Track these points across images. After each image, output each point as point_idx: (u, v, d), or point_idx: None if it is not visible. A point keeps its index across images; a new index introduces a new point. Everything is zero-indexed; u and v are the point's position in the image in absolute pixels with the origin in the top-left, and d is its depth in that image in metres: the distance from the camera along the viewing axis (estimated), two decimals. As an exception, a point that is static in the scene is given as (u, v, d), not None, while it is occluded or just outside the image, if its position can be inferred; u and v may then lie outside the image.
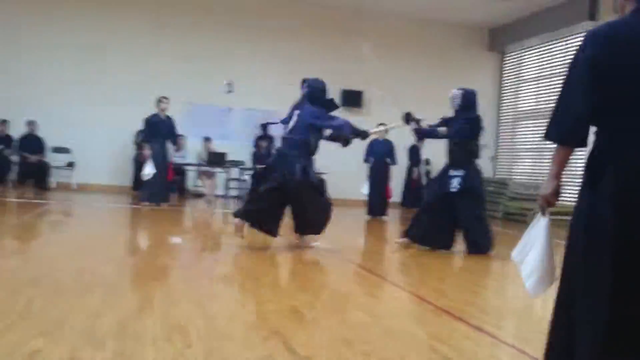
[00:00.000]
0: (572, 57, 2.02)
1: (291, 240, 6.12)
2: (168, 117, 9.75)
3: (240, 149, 12.47)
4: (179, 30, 12.55)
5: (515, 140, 14.20)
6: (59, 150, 11.86)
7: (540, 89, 13.46)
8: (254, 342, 2.79)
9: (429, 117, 6.62)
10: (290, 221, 6.05)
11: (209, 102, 12.70)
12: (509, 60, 14.49)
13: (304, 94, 6.00)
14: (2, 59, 11.76)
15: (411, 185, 12.24)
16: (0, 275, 3.91)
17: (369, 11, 13.26)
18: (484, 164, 14.05)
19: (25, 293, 3.38)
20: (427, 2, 12.66)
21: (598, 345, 1.83)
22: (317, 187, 5.91)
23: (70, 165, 11.86)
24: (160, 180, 9.47)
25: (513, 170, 14.06)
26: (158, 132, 9.58)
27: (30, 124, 11.46)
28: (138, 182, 10.66)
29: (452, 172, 6.22)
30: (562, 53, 12.63)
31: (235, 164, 12.16)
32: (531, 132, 13.65)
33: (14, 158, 11.38)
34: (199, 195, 12.13)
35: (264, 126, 12.64)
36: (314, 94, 5.92)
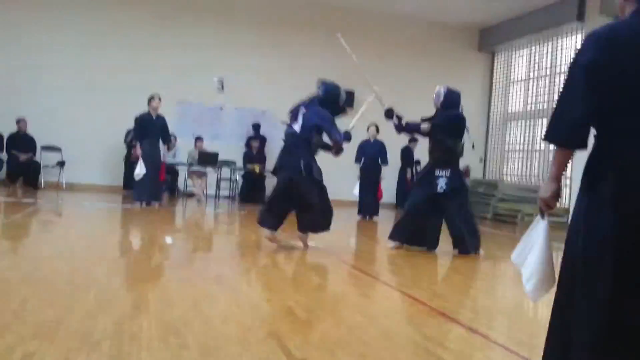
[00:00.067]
0: (571, 58, 2.01)
1: (286, 241, 6.11)
2: (159, 116, 9.69)
3: (231, 149, 12.46)
4: (171, 29, 12.51)
5: (505, 141, 14.26)
6: (49, 149, 11.78)
7: (530, 89, 13.55)
8: (250, 343, 2.79)
9: (419, 117, 6.59)
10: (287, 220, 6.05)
11: (200, 101, 12.67)
12: (498, 60, 14.56)
13: (316, 95, 5.99)
14: (-8, 57, 11.68)
15: (405, 186, 12.29)
16: (-8, 276, 3.89)
17: (359, 11, 13.28)
18: (474, 164, 14.27)
19: (18, 294, 3.37)
20: (417, 3, 12.70)
21: (596, 348, 1.84)
22: (321, 184, 5.92)
23: (61, 164, 11.78)
24: (151, 179, 9.41)
25: (503, 171, 14.12)
26: (149, 131, 9.51)
27: (20, 122, 11.37)
28: (129, 181, 10.61)
29: (438, 173, 6.20)
30: (551, 53, 12.72)
31: (227, 163, 12.15)
32: (521, 133, 13.73)
33: (3, 156, 11.29)
34: (190, 195, 12.10)
35: (256, 126, 12.65)
36: (328, 99, 5.95)
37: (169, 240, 6.66)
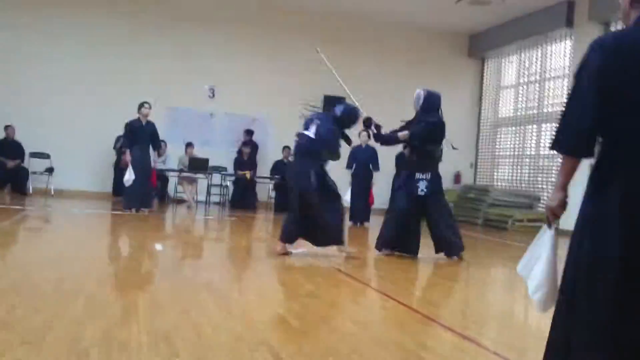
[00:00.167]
0: (579, 65, 2.01)
1: (273, 247, 6.08)
2: (149, 122, 9.65)
3: (222, 155, 12.42)
4: (161, 35, 12.48)
5: (495, 146, 14.31)
6: (37, 155, 11.69)
7: (519, 95, 13.61)
8: (242, 352, 2.76)
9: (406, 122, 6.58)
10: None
11: (190, 107, 12.63)
12: (488, 66, 14.63)
13: (332, 114, 6.07)
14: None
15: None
16: (-21, 284, 3.83)
17: (350, 17, 13.31)
18: (465, 170, 14.31)
19: (6, 301, 3.31)
20: (407, 8, 12.74)
21: (596, 349, 1.84)
22: (334, 193, 5.95)
23: (49, 170, 11.69)
24: (141, 186, 9.35)
25: (493, 177, 14.16)
26: (139, 137, 9.47)
27: (8, 128, 11.28)
28: (118, 187, 10.54)
29: (418, 176, 6.19)
30: (541, 59, 12.80)
31: (217, 169, 12.11)
32: (511, 139, 13.78)
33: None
34: (180, 201, 12.03)
35: (249, 132, 12.62)
36: (344, 120, 6.03)
37: (158, 247, 6.60)
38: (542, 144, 12.70)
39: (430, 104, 6.28)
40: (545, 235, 2.09)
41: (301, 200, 5.76)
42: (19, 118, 11.40)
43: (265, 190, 12.88)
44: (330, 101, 12.69)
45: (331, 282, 5.04)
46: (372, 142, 10.15)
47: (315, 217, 5.79)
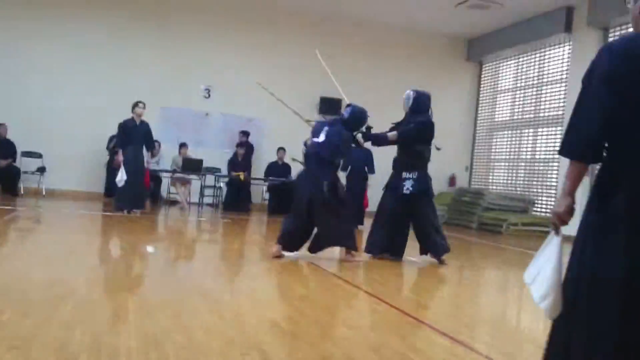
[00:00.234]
0: (587, 70, 1.99)
1: (268, 251, 6.03)
2: (143, 122, 9.58)
3: (216, 156, 12.36)
4: (156, 34, 12.42)
5: (491, 150, 14.32)
6: (29, 154, 11.59)
7: (516, 99, 13.62)
8: (233, 356, 2.71)
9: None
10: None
11: (185, 107, 12.58)
12: (486, 70, 14.64)
13: (341, 117, 6.05)
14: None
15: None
16: (-34, 285, 3.76)
17: (348, 20, 13.29)
18: (460, 173, 14.31)
19: (-7, 304, 3.25)
20: (406, 12, 12.72)
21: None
22: (343, 202, 5.94)
23: (41, 170, 11.60)
24: (133, 187, 9.29)
25: (488, 181, 14.17)
26: (133, 137, 9.40)
27: (0, 127, 11.19)
28: (111, 188, 10.47)
29: (404, 175, 6.14)
30: (538, 64, 12.81)
31: (211, 170, 12.05)
32: (507, 143, 13.79)
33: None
34: (173, 202, 11.96)
35: (245, 133, 12.57)
36: (352, 123, 6.01)
37: (150, 249, 6.54)
38: (538, 148, 12.72)
39: (420, 105, 6.24)
40: (552, 242, 2.04)
41: (309, 209, 5.72)
42: (11, 117, 11.31)
43: (259, 192, 12.83)
44: (327, 103, 12.71)
45: (324, 286, 5.00)
46: (367, 144, 10.16)
47: (321, 226, 5.77)
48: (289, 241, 5.82)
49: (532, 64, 13.00)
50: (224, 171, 12.27)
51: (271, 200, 12.38)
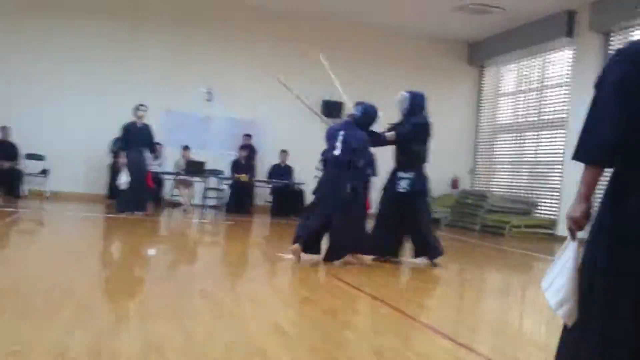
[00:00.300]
0: (599, 76, 1.99)
1: (272, 254, 6.02)
2: (145, 125, 9.60)
3: (219, 158, 12.35)
4: (158, 38, 12.42)
5: (493, 153, 14.30)
6: (32, 156, 11.59)
7: (518, 102, 13.59)
8: (235, 361, 2.70)
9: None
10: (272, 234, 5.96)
11: (187, 110, 12.57)
12: (488, 74, 14.62)
13: (353, 117, 6.02)
14: (-25, 64, 11.51)
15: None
16: (-33, 289, 3.75)
17: (349, 23, 13.28)
18: (463, 176, 14.29)
19: (-6, 308, 3.24)
20: (408, 16, 12.71)
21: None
22: (363, 207, 5.96)
23: (44, 172, 11.61)
24: (135, 189, 9.29)
25: (491, 183, 14.14)
26: (135, 140, 9.42)
27: (3, 129, 11.20)
28: (113, 190, 10.47)
29: (400, 175, 6.09)
30: (539, 68, 12.79)
31: (214, 173, 12.04)
32: (509, 145, 13.77)
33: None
34: (176, 205, 11.96)
35: (248, 136, 12.56)
36: (365, 121, 6.00)
37: (152, 252, 6.53)
38: (540, 151, 12.70)
39: (415, 106, 6.21)
40: (569, 248, 2.01)
41: (334, 210, 5.73)
42: (15, 119, 11.31)
43: (262, 194, 12.82)
44: (329, 106, 12.69)
45: (326, 288, 4.98)
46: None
47: (337, 231, 5.77)
48: (307, 242, 5.82)
49: (534, 67, 12.97)
50: (227, 173, 12.26)
51: (274, 203, 12.36)
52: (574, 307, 1.93)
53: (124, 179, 9.21)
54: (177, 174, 11.57)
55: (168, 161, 11.81)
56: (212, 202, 12.20)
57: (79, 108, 11.80)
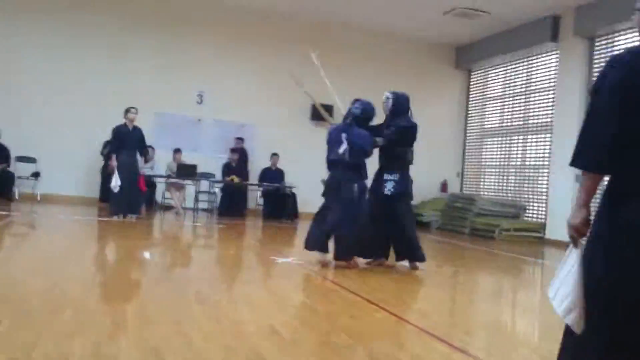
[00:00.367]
0: (595, 82, 2.00)
1: (266, 257, 6.04)
2: (136, 128, 9.59)
3: (210, 161, 12.36)
4: (149, 40, 12.42)
5: (481, 156, 14.40)
6: (24, 159, 11.56)
7: (505, 106, 13.71)
8: (234, 365, 2.73)
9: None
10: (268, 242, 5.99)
11: (178, 112, 12.57)
12: (475, 77, 14.74)
13: (352, 116, 6.04)
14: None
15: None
16: (-36, 293, 3.76)
17: (338, 25, 13.34)
18: (451, 179, 14.38)
19: (-9, 313, 3.25)
20: (395, 19, 12.79)
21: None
22: (365, 209, 5.99)
23: (36, 175, 11.56)
24: (127, 192, 9.28)
25: (479, 186, 14.24)
26: (126, 142, 9.41)
27: (-6, 132, 11.15)
28: (106, 193, 10.45)
29: (386, 176, 6.10)
30: (526, 72, 12.92)
31: (206, 176, 12.05)
32: (497, 149, 13.88)
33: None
34: (168, 208, 11.95)
35: (240, 139, 12.58)
36: (365, 117, 6.05)
37: (147, 255, 6.54)
38: (527, 155, 12.82)
39: (399, 107, 6.23)
40: (572, 256, 2.01)
41: (341, 210, 5.79)
42: (5, 121, 11.26)
43: (253, 197, 12.84)
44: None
45: (322, 292, 5.02)
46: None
47: (347, 228, 5.83)
48: (312, 242, 5.88)
49: (520, 72, 13.10)
50: (219, 176, 12.27)
51: (265, 206, 12.39)
52: (581, 315, 1.93)
53: (114, 183, 9.19)
54: (169, 177, 11.56)
55: (159, 164, 11.80)
56: (203, 205, 12.20)
57: (70, 111, 11.77)
